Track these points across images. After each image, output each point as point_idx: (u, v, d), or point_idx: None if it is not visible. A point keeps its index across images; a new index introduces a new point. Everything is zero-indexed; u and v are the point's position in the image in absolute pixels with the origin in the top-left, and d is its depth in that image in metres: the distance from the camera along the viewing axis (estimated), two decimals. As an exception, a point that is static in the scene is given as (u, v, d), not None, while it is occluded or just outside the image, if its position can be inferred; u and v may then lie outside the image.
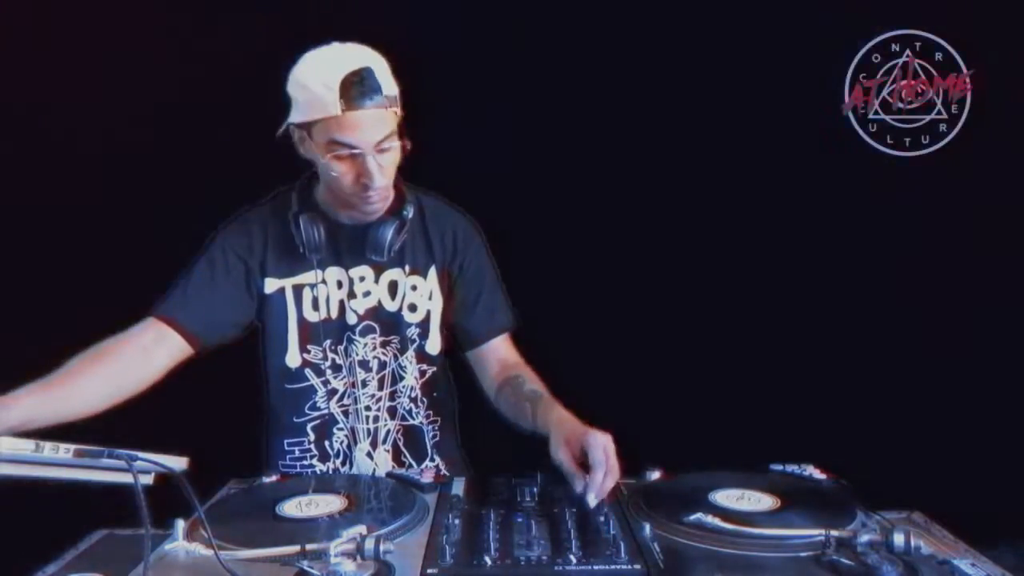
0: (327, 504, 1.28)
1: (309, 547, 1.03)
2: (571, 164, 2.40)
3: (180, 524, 1.14)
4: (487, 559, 1.06)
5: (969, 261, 2.37)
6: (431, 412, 1.65)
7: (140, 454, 1.07)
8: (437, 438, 1.67)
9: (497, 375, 1.61)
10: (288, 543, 1.05)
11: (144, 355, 1.46)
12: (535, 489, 1.33)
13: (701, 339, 2.40)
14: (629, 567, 1.04)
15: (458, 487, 1.38)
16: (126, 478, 1.05)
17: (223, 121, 2.29)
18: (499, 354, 1.64)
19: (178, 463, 1.12)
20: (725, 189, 2.42)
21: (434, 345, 1.63)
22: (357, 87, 1.37)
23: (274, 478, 1.47)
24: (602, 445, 1.28)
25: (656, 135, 2.39)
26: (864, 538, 1.05)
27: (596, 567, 1.04)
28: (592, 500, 1.24)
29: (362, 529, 1.06)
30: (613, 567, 1.04)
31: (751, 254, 2.42)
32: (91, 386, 1.38)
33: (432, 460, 1.66)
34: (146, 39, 2.31)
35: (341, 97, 1.36)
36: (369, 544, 1.03)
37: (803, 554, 1.08)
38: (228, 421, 1.84)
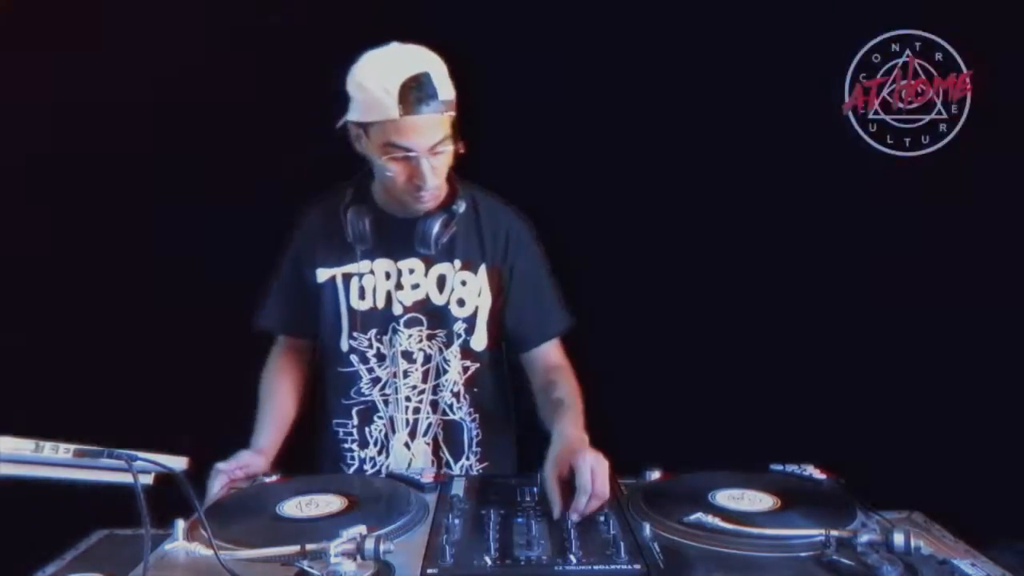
0: (327, 504, 1.28)
1: (309, 547, 1.03)
2: (569, 164, 2.40)
3: (180, 524, 1.15)
4: (487, 559, 1.06)
5: (969, 261, 2.37)
6: (473, 409, 1.65)
7: (140, 454, 1.07)
8: (480, 436, 1.67)
9: (541, 379, 1.64)
10: (288, 543, 1.05)
11: (299, 364, 1.74)
12: (535, 489, 1.33)
13: (701, 338, 2.40)
14: (629, 567, 1.04)
15: (458, 487, 1.38)
16: (126, 478, 1.05)
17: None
18: (546, 358, 1.66)
19: (178, 463, 1.12)
20: (725, 189, 2.42)
21: (479, 341, 1.64)
22: (415, 92, 1.41)
23: (274, 478, 1.48)
24: (589, 467, 1.24)
25: (657, 136, 2.39)
26: (864, 538, 1.05)
27: (596, 567, 1.04)
28: (575, 517, 1.21)
29: (362, 529, 1.05)
30: (613, 567, 1.04)
31: (751, 254, 2.42)
32: (291, 401, 1.70)
33: (468, 459, 1.66)
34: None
35: (400, 102, 1.41)
36: (369, 544, 1.03)
37: (803, 554, 1.08)
38: (228, 420, 1.84)
